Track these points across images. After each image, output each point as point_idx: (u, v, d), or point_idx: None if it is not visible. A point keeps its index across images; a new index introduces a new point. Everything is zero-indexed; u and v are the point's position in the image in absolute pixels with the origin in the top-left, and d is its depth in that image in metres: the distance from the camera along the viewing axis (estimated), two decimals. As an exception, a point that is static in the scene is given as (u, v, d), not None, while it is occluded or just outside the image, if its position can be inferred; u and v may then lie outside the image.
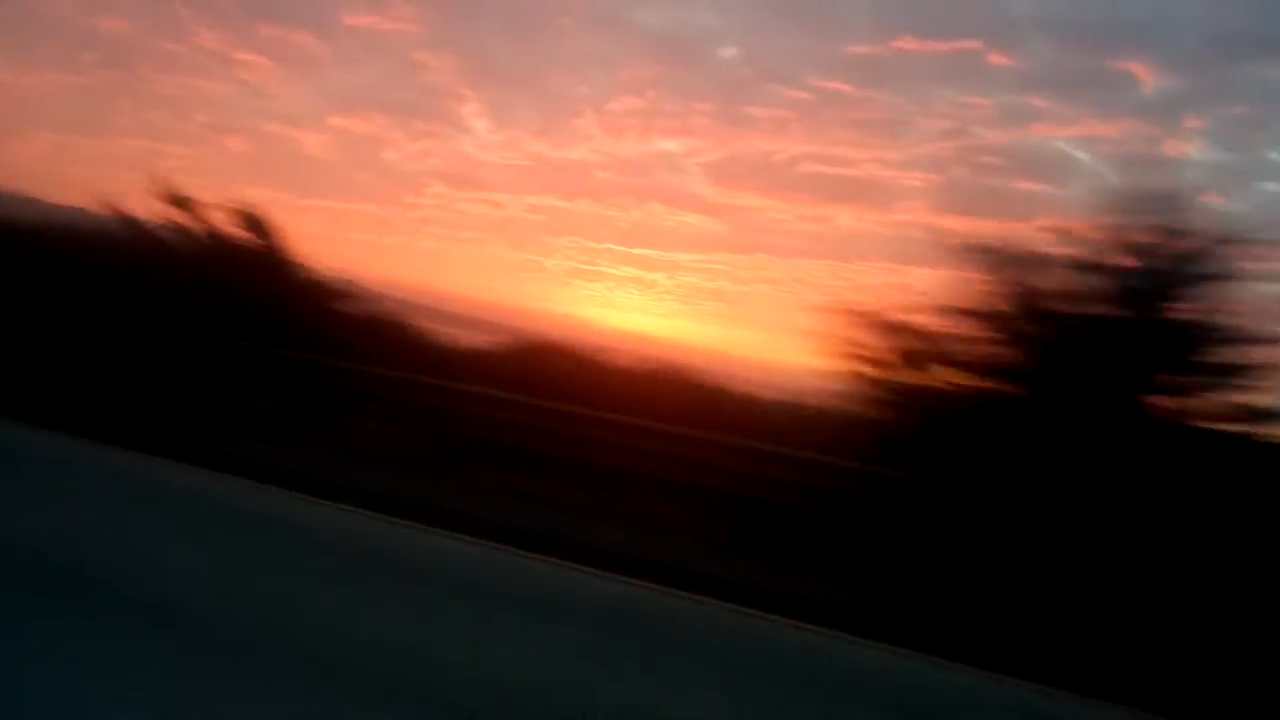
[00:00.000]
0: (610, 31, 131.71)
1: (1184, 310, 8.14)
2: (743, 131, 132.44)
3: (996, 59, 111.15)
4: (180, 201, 12.38)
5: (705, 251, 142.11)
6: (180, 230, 12.42)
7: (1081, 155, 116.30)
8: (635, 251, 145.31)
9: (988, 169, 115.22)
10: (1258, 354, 7.83)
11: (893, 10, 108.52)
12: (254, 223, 12.51)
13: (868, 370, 8.75)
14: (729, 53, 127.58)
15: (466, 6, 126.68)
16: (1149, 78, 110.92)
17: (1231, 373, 7.84)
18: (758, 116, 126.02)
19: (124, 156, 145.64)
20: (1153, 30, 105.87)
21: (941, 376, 8.71)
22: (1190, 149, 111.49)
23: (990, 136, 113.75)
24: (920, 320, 8.79)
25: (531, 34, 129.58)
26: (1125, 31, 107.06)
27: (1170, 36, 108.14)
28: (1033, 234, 8.90)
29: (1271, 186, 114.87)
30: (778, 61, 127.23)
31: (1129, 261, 8.45)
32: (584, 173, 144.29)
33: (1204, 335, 8.00)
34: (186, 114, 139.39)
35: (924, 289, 9.12)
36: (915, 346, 8.74)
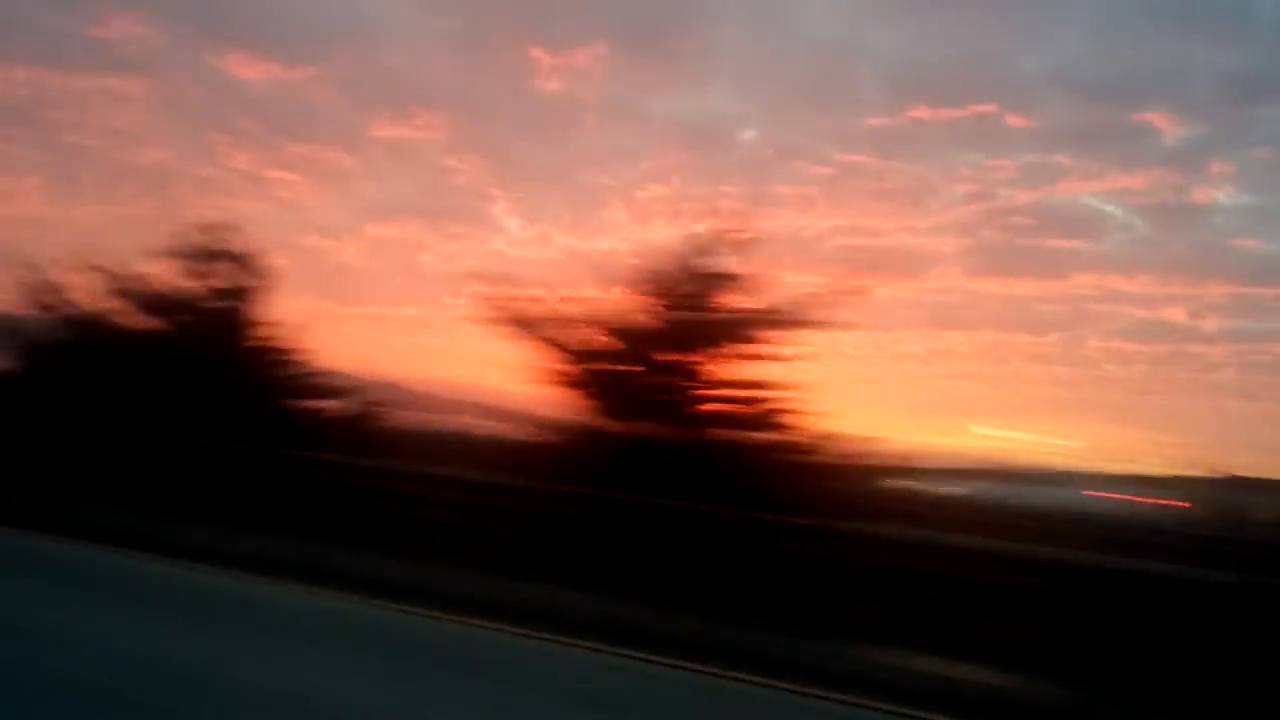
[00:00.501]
0: (631, 123, 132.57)
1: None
2: (771, 210, 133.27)
3: (1014, 120, 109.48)
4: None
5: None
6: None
7: (1111, 208, 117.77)
8: None
9: (1017, 229, 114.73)
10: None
11: (905, 81, 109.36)
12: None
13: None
14: (749, 135, 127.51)
15: (489, 110, 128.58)
16: (1169, 127, 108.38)
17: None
18: (784, 194, 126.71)
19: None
20: (1168, 79, 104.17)
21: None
22: (1219, 194, 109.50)
23: (1016, 196, 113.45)
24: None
25: (554, 132, 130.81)
26: (1140, 83, 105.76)
27: (1186, 84, 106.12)
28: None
29: None
30: (798, 140, 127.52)
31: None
32: (618, 262, 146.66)
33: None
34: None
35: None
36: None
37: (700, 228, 11.63)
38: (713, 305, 10.93)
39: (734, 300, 11.00)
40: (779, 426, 10.71)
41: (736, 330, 10.88)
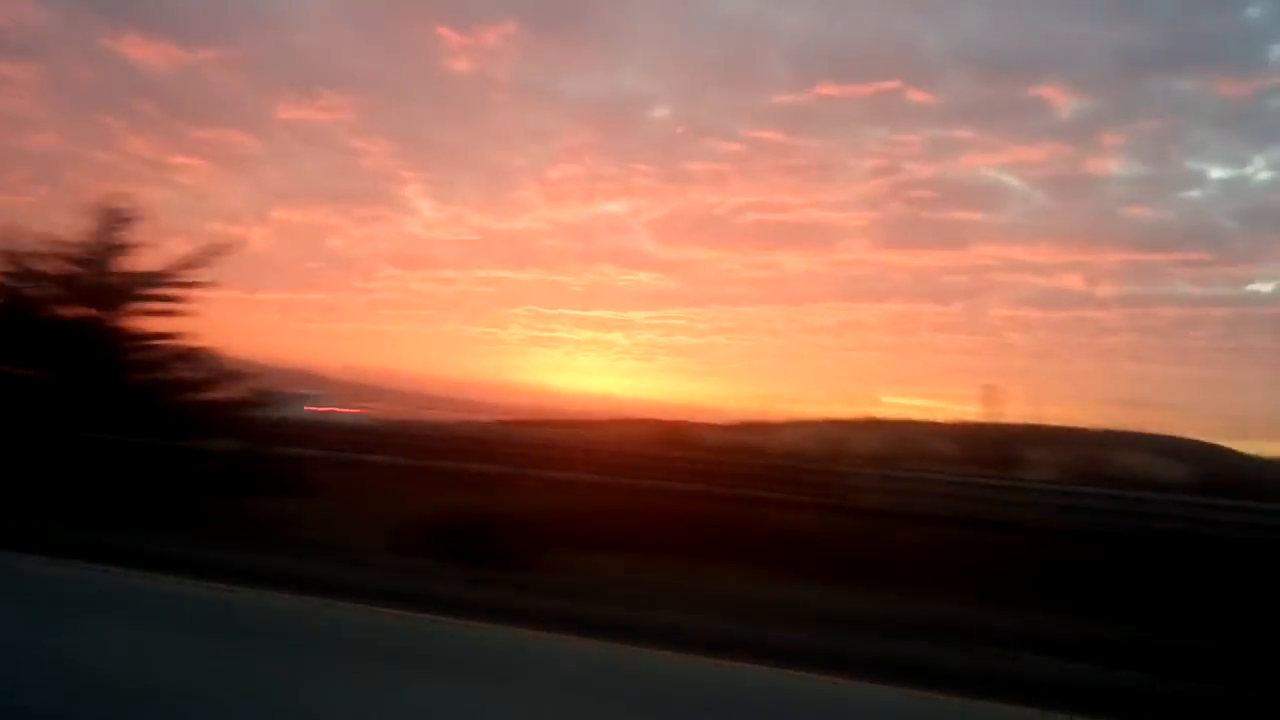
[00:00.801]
0: (541, 103, 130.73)
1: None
2: (683, 187, 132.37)
3: (917, 96, 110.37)
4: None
5: (659, 308, 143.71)
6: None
7: (1011, 180, 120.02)
8: (590, 314, 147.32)
9: (922, 202, 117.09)
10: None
11: (812, 59, 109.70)
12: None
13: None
14: (661, 113, 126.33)
15: (398, 91, 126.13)
16: (1062, 100, 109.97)
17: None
18: (696, 171, 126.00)
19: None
20: (1061, 55, 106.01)
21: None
22: (1111, 165, 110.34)
23: (920, 170, 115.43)
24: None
25: (464, 112, 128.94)
26: (1035, 58, 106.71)
27: (1078, 59, 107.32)
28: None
29: (1193, 194, 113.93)
30: (708, 117, 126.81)
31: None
32: (531, 241, 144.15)
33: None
34: None
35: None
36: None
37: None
38: (118, 269, 13.09)
39: (134, 263, 13.14)
40: (181, 367, 13.02)
41: (140, 288, 13.05)
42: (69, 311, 13.09)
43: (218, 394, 12.95)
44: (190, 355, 13.04)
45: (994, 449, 22.51)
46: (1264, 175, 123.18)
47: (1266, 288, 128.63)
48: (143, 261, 13.27)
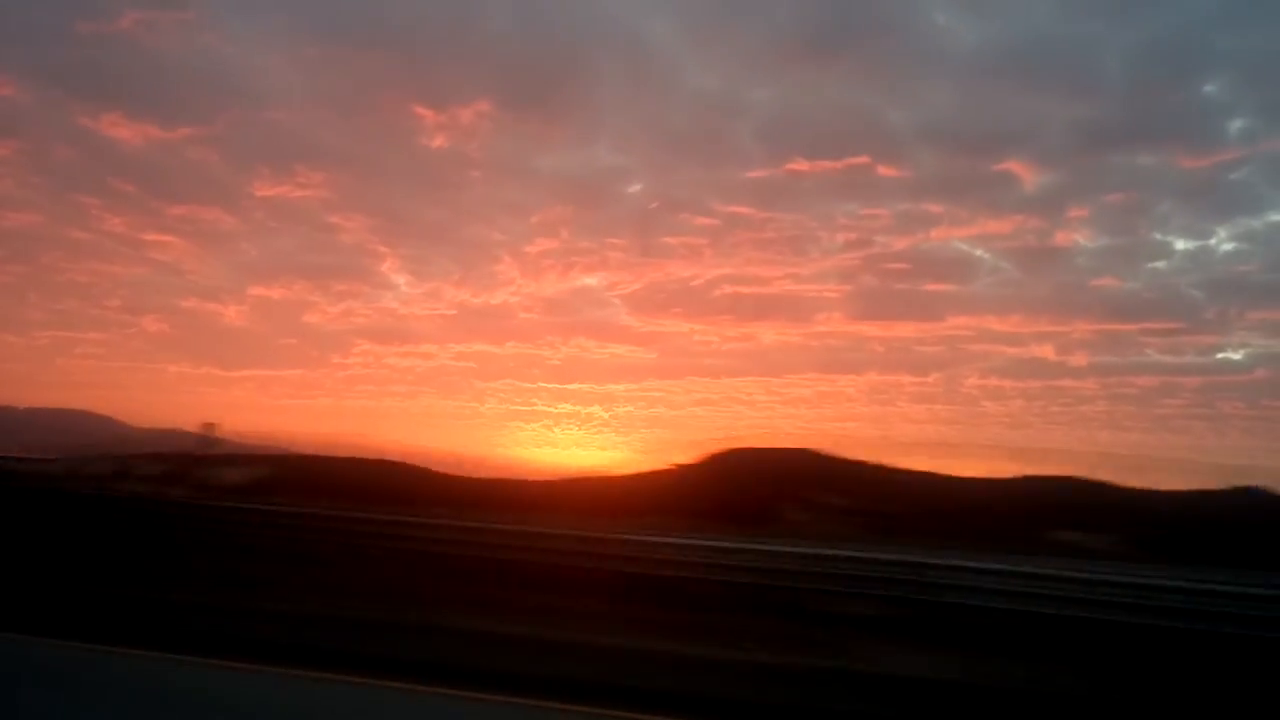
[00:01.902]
0: (517, 179, 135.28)
1: None
2: (658, 261, 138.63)
3: (886, 171, 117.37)
4: None
5: (638, 380, 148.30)
6: None
7: (981, 253, 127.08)
8: (569, 387, 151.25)
9: (894, 274, 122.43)
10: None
11: (782, 135, 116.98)
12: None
13: None
14: (635, 188, 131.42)
15: (374, 167, 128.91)
16: (1029, 175, 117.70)
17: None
18: (671, 245, 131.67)
19: (37, 347, 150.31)
20: (1025, 131, 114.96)
21: None
22: (1078, 237, 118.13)
23: (892, 243, 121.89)
24: None
25: (440, 188, 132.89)
26: (1001, 134, 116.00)
27: (1042, 135, 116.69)
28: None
29: (1160, 265, 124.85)
30: (682, 192, 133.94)
31: None
32: (508, 315, 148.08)
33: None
34: (99, 299, 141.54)
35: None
36: None
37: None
38: None
39: None
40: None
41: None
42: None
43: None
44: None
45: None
46: (1227, 247, 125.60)
47: (1236, 356, 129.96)
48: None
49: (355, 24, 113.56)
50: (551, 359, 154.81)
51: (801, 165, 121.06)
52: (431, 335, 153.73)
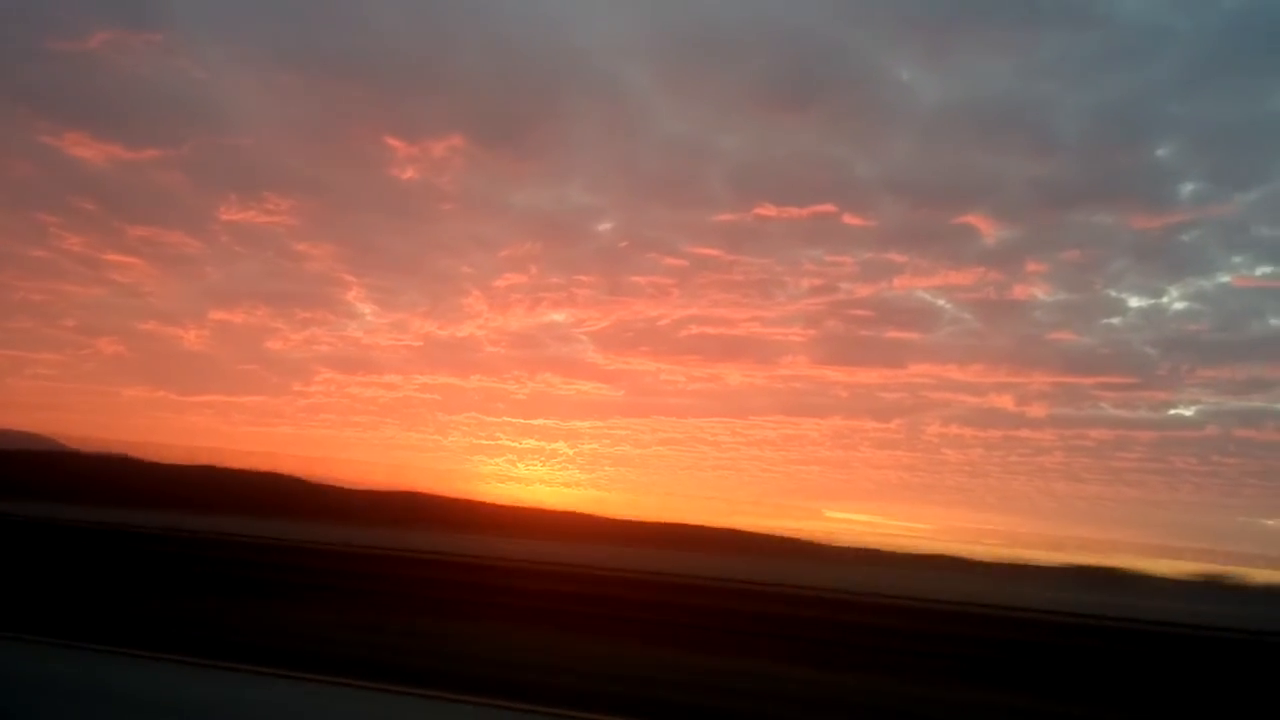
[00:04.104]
0: (488, 213, 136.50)
1: None
2: (626, 299, 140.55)
3: (852, 220, 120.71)
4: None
5: (604, 418, 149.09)
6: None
7: (942, 303, 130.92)
8: (534, 422, 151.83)
9: (859, 320, 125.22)
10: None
11: (751, 181, 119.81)
12: None
13: None
14: (605, 227, 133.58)
15: (344, 196, 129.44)
16: (989, 229, 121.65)
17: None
18: (639, 284, 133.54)
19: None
20: (986, 186, 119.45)
21: None
22: (1036, 291, 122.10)
23: (856, 290, 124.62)
24: None
25: (410, 220, 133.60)
26: (962, 189, 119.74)
27: (1002, 191, 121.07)
28: None
29: (1115, 321, 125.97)
30: (651, 232, 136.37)
31: None
32: (475, 349, 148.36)
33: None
34: (54, 319, 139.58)
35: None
36: None
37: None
38: None
39: None
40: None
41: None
42: None
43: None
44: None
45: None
46: (1178, 306, 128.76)
47: (1188, 412, 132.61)
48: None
49: (329, 53, 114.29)
50: (517, 394, 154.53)
51: (769, 211, 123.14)
52: (396, 366, 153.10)
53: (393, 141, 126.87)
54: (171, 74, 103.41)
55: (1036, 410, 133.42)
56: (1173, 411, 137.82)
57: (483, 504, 44.75)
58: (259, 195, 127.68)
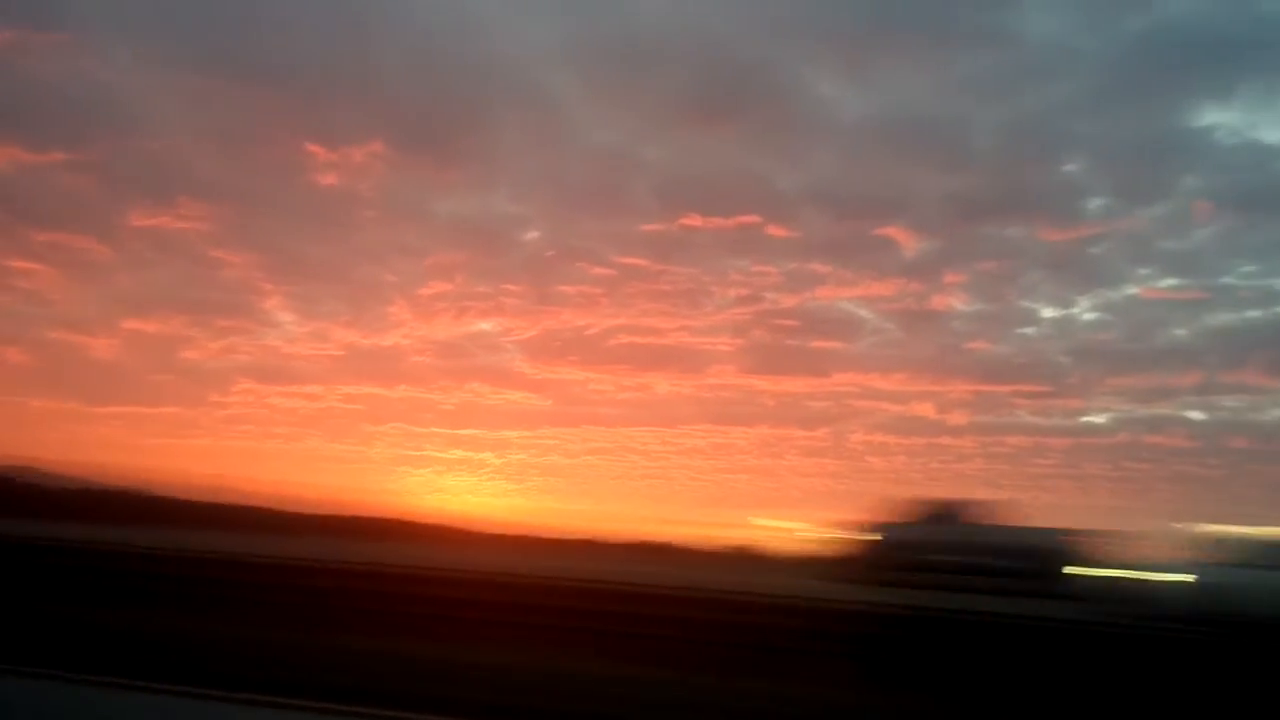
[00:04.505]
0: (412, 221, 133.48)
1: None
2: (554, 308, 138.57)
3: (776, 230, 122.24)
4: None
5: (532, 427, 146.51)
6: None
7: (865, 313, 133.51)
8: (461, 433, 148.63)
9: (784, 330, 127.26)
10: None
11: (677, 191, 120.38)
12: None
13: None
14: (532, 235, 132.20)
15: (262, 202, 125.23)
16: (908, 241, 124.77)
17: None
18: (567, 293, 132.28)
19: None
20: (904, 198, 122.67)
21: None
22: (954, 301, 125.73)
23: (781, 300, 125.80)
24: None
25: (331, 227, 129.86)
26: (882, 201, 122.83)
27: (919, 203, 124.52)
28: None
29: (1029, 331, 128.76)
30: (578, 241, 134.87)
31: None
32: (400, 358, 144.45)
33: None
34: None
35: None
36: None
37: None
38: None
39: None
40: None
41: None
42: None
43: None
44: None
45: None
46: (1089, 316, 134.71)
47: (1100, 420, 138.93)
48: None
49: (246, 56, 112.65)
50: (444, 404, 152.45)
51: (695, 221, 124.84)
52: (318, 376, 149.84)
53: (312, 147, 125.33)
54: (78, 75, 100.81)
55: (957, 418, 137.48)
56: (1085, 419, 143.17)
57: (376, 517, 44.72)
58: (172, 201, 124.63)
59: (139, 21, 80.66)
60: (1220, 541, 18.79)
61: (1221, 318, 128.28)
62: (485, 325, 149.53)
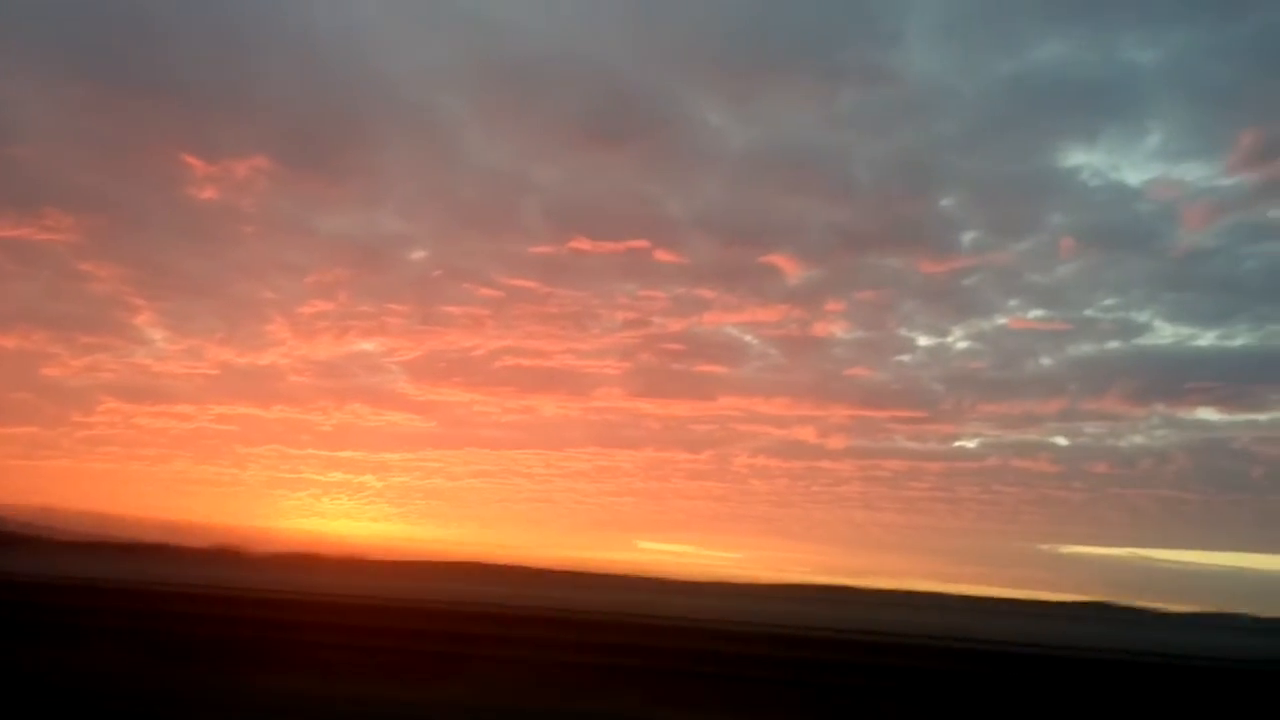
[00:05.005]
0: (294, 237, 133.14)
1: None
2: (439, 329, 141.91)
3: (664, 256, 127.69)
4: None
5: (415, 450, 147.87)
6: None
7: (749, 338, 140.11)
8: (341, 455, 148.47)
9: (671, 354, 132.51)
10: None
11: (566, 214, 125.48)
12: None
13: None
14: (418, 255, 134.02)
15: (134, 215, 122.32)
16: (792, 269, 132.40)
17: None
18: (453, 314, 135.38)
19: None
20: (788, 228, 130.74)
21: None
22: (835, 329, 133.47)
23: (668, 324, 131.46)
24: None
25: (208, 242, 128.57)
26: (767, 229, 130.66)
27: (803, 233, 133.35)
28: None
29: (906, 358, 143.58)
30: (466, 262, 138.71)
31: None
32: (278, 378, 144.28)
33: None
34: None
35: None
36: None
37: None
38: None
39: None
40: None
41: None
42: None
43: None
44: None
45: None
46: (961, 345, 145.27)
47: (971, 444, 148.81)
48: None
49: (123, 64, 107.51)
50: (322, 425, 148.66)
51: (584, 244, 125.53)
52: (190, 395, 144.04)
53: (191, 159, 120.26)
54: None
55: (836, 442, 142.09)
56: (958, 443, 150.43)
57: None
58: (38, 210, 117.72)
59: (8, 26, 75.46)
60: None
61: (1084, 348, 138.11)
62: (368, 345, 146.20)
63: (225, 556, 59.03)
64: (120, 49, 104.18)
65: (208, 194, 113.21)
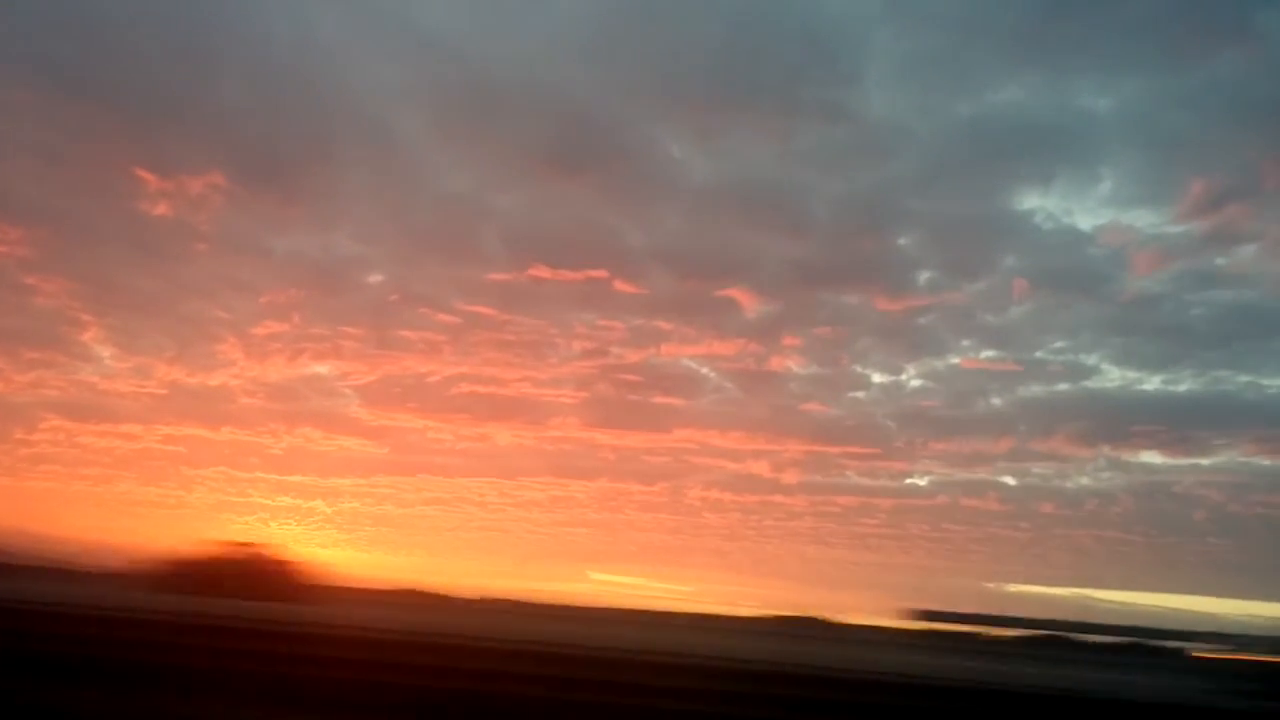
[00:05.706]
0: (248, 257, 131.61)
1: None
2: (395, 354, 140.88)
3: (623, 286, 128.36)
4: None
5: (366, 475, 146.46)
6: None
7: (706, 371, 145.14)
8: (290, 479, 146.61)
9: (627, 385, 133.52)
10: None
11: (525, 242, 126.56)
12: None
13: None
14: (375, 278, 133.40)
15: (82, 229, 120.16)
16: (749, 303, 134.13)
17: None
18: (409, 339, 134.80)
19: None
20: (746, 262, 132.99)
21: None
22: (791, 364, 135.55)
23: (626, 355, 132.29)
24: None
25: (159, 259, 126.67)
26: (725, 263, 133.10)
27: (761, 268, 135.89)
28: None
29: (860, 395, 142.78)
30: (423, 287, 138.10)
31: None
32: (228, 399, 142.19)
33: None
34: None
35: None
36: None
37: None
38: None
39: None
40: None
41: None
42: None
43: None
44: None
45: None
46: (915, 383, 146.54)
47: (922, 482, 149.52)
48: None
49: (76, 73, 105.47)
50: (272, 448, 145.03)
51: (543, 272, 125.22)
52: (136, 415, 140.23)
53: (143, 174, 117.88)
54: None
55: (789, 477, 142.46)
56: (909, 480, 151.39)
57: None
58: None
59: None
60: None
61: (1033, 389, 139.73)
62: (321, 368, 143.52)
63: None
64: (73, 58, 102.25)
65: (160, 209, 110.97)
